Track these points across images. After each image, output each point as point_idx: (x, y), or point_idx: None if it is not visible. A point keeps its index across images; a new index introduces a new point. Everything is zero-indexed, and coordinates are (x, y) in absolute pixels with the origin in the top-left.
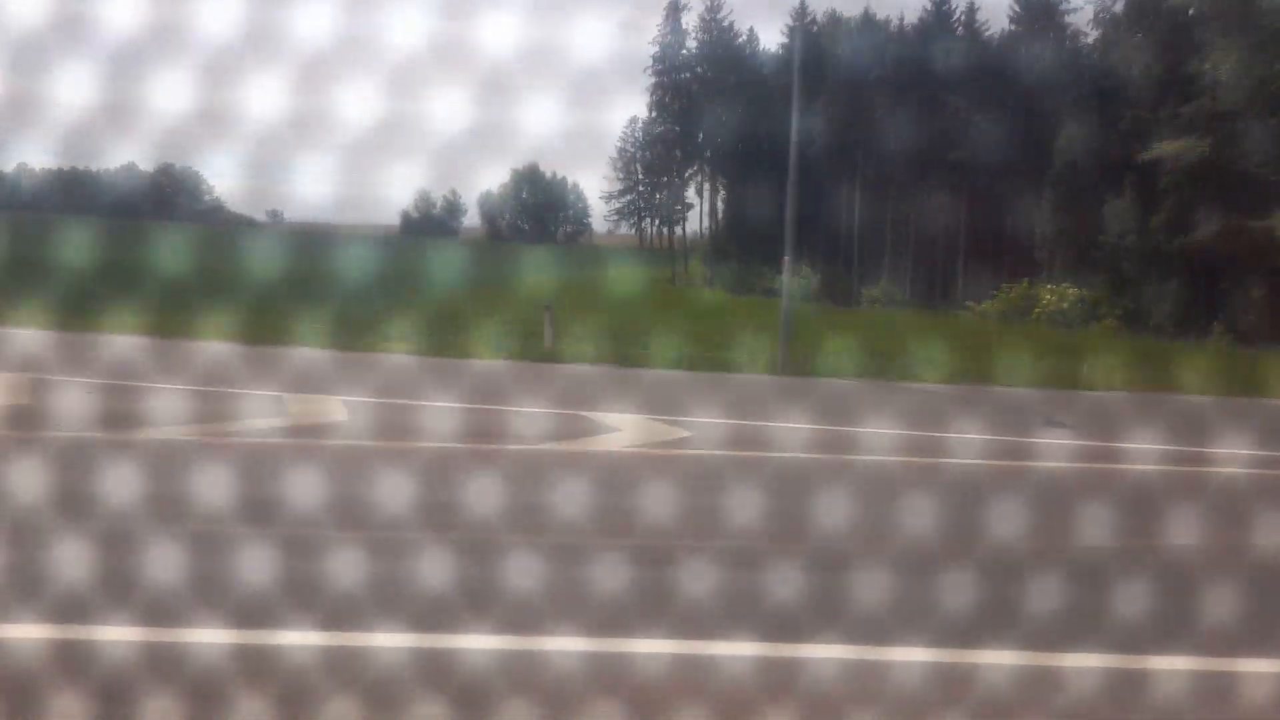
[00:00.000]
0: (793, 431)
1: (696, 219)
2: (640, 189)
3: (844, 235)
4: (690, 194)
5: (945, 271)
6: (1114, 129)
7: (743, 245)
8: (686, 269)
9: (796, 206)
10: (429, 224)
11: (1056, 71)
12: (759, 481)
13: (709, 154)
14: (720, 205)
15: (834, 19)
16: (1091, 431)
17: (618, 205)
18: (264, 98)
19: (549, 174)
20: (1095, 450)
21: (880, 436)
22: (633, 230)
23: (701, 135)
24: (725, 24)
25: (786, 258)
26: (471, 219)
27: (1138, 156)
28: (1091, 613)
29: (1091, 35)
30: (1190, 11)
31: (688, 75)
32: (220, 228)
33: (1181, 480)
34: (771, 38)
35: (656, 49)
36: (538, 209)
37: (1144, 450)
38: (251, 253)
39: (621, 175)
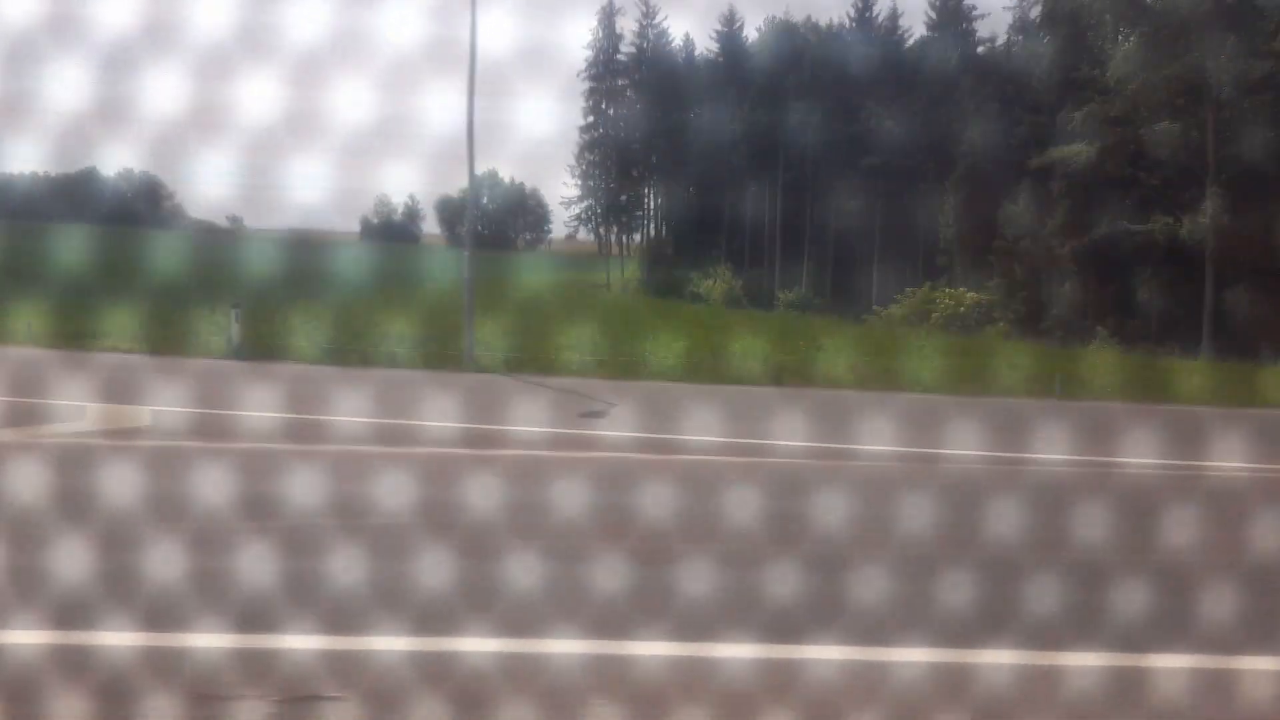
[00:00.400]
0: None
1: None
2: (600, 195)
3: (767, 239)
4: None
5: (861, 275)
6: (1014, 133)
7: (676, 249)
8: (623, 273)
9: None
10: (390, 230)
11: (964, 76)
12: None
13: (653, 159)
14: (656, 210)
15: (774, 24)
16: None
17: (577, 211)
18: (252, 101)
19: (509, 179)
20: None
21: (427, 428)
22: (592, 236)
23: (636, 140)
24: (660, 29)
25: (467, 253)
26: (433, 225)
27: (1031, 161)
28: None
29: (1006, 39)
30: (1100, 18)
31: (623, 81)
32: (179, 233)
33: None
34: (709, 43)
35: (590, 54)
36: (498, 215)
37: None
38: (165, 257)
39: (579, 181)
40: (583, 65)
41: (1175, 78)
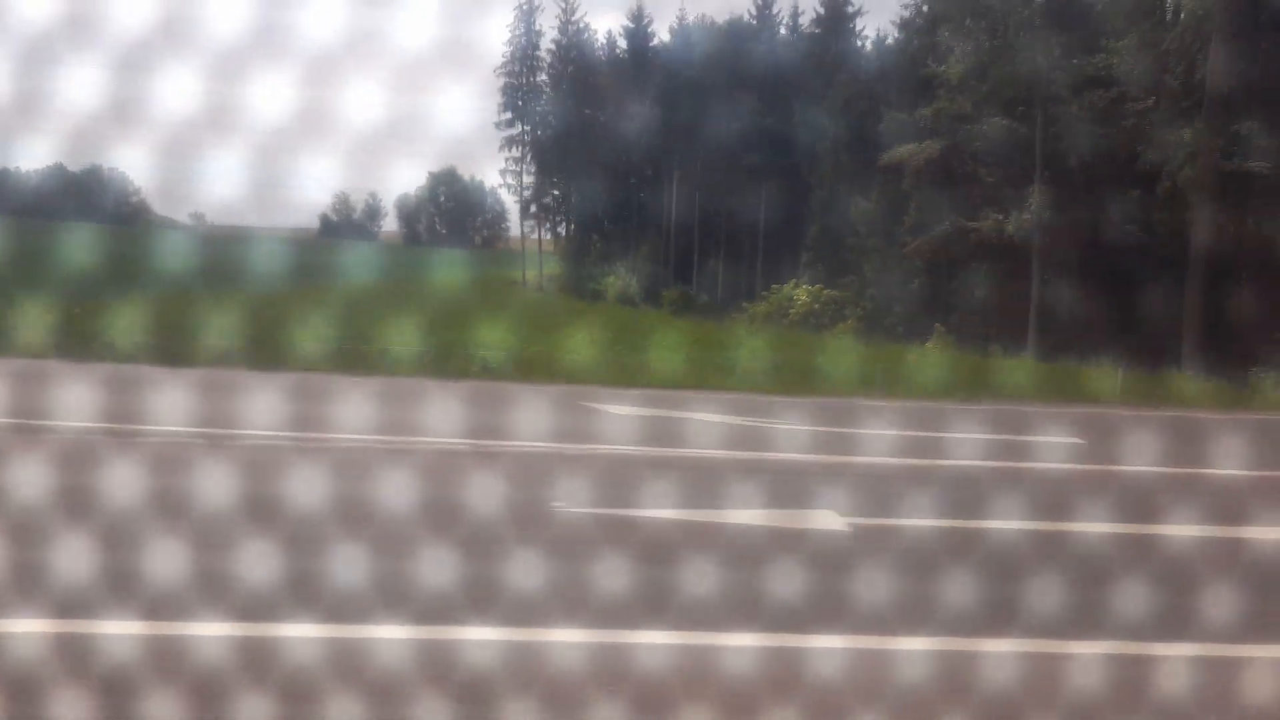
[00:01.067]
0: None
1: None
2: (518, 192)
3: (669, 236)
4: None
5: (748, 273)
6: (875, 130)
7: (593, 246)
8: (541, 271)
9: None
10: (348, 227)
11: (837, 74)
12: None
13: (566, 157)
14: (572, 207)
15: (679, 22)
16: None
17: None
18: (177, 95)
19: (467, 177)
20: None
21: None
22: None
23: (551, 137)
24: (580, 25)
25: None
26: (391, 222)
27: (881, 158)
28: None
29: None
30: (948, 15)
31: (544, 77)
32: (136, 229)
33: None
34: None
35: (507, 50)
36: (455, 212)
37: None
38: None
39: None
40: (500, 61)
41: (1007, 76)
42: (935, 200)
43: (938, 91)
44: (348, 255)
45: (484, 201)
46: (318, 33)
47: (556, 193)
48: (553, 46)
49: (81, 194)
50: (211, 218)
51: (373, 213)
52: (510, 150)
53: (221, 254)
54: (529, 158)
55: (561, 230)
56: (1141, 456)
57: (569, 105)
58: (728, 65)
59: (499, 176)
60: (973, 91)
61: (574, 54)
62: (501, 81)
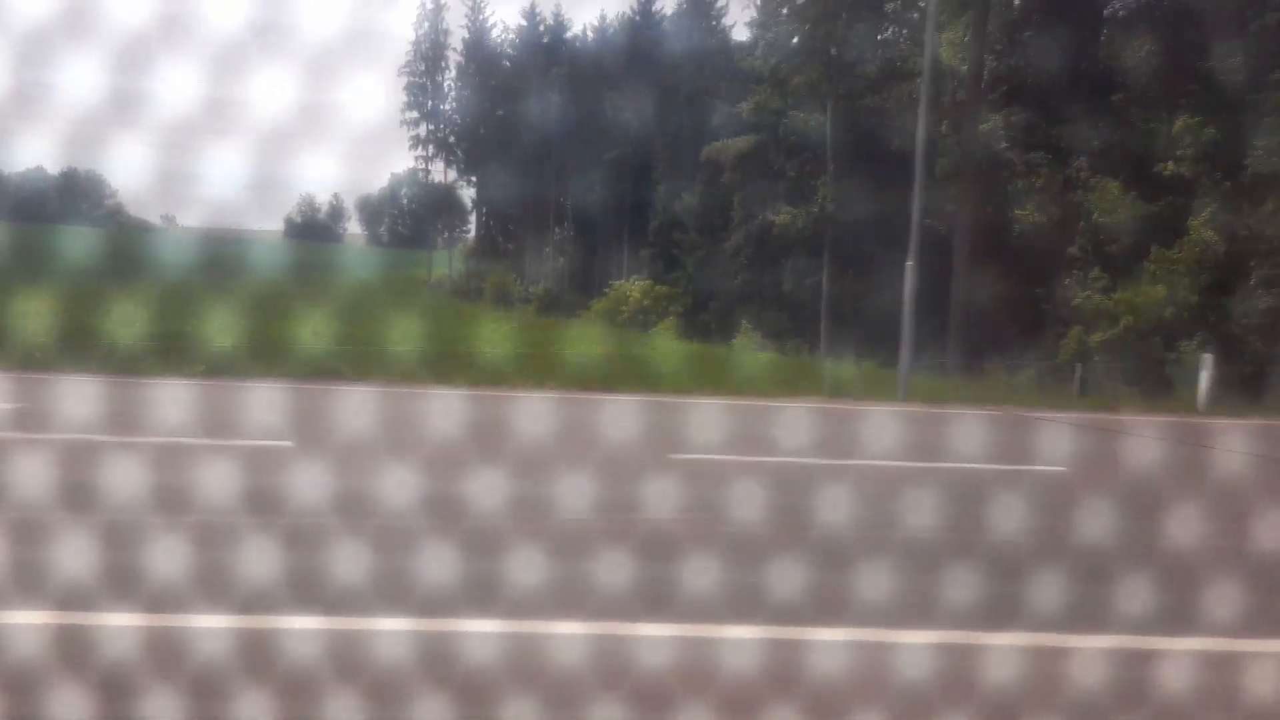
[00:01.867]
0: None
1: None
2: (424, 186)
3: (555, 232)
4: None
5: (607, 269)
6: (708, 123)
7: (495, 243)
8: (449, 268)
9: None
10: (313, 229)
11: (686, 68)
12: None
13: (463, 153)
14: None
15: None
16: None
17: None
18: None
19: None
20: None
21: None
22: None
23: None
24: (486, 19)
25: None
26: (357, 224)
27: (703, 152)
28: None
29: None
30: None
31: (451, 74)
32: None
33: None
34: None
35: (411, 48)
36: (418, 213)
37: None
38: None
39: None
40: (404, 57)
41: (804, 66)
42: (751, 194)
43: (753, 85)
44: (279, 256)
45: (446, 200)
46: (222, 23)
47: (465, 190)
48: (457, 44)
49: (64, 197)
50: (189, 221)
51: (336, 214)
52: (417, 149)
53: (141, 252)
54: (433, 156)
55: (469, 229)
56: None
57: (470, 102)
58: (606, 62)
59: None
60: (780, 84)
61: (479, 51)
62: (404, 80)
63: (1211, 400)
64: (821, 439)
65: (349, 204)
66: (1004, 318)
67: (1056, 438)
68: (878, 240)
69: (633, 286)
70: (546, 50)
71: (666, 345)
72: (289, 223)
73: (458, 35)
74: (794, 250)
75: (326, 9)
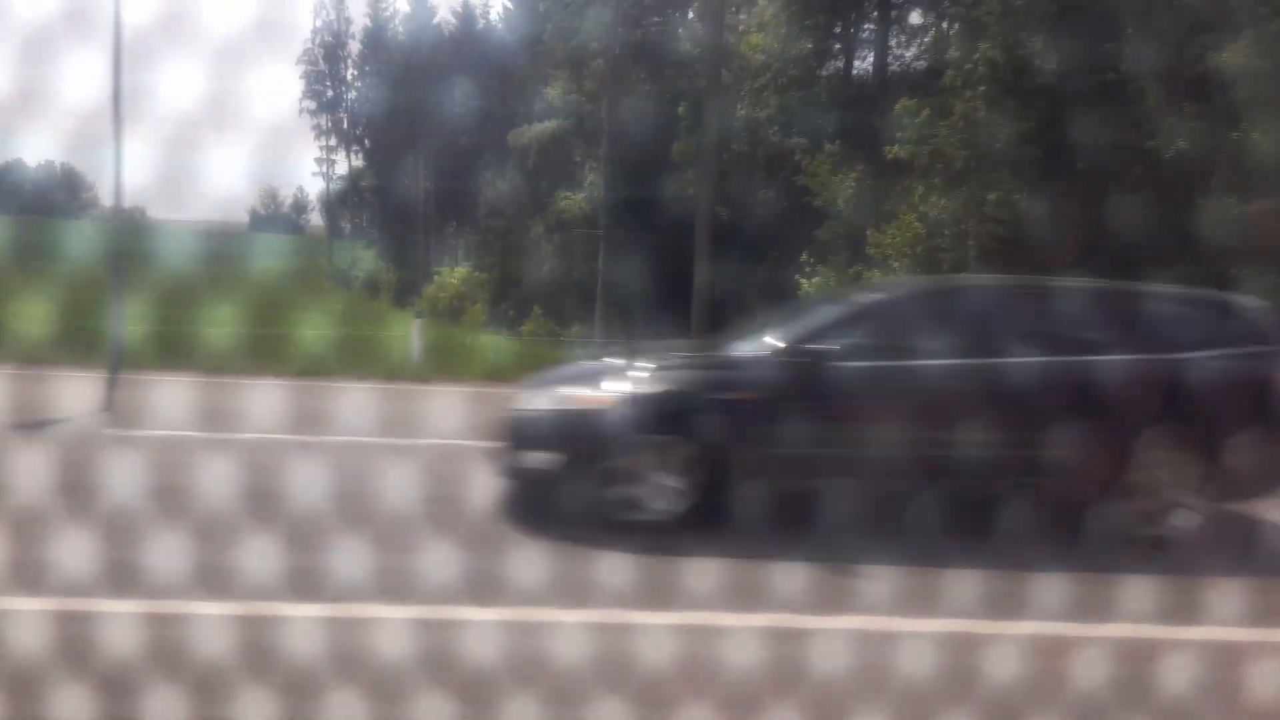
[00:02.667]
0: None
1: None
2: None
3: (427, 221)
4: None
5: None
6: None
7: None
8: (353, 259)
9: None
10: (276, 221)
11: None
12: None
13: (366, 143)
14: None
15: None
16: None
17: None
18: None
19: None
20: None
21: None
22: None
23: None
24: (385, 11)
25: None
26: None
27: (510, 139)
28: None
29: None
30: None
31: (351, 65)
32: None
33: None
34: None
35: (311, 39)
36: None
37: None
38: None
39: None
40: (304, 45)
41: (573, 50)
42: (550, 180)
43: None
44: (207, 245)
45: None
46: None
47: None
48: (357, 33)
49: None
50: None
51: (300, 206)
52: (320, 139)
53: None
54: (334, 145)
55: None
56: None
57: (363, 92)
58: (464, 48)
59: (314, 165)
60: (565, 68)
61: (374, 41)
62: (303, 69)
63: None
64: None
65: (313, 196)
66: (738, 299)
67: None
68: (654, 226)
69: (453, 274)
70: (416, 39)
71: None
72: (254, 215)
73: (359, 24)
74: (576, 236)
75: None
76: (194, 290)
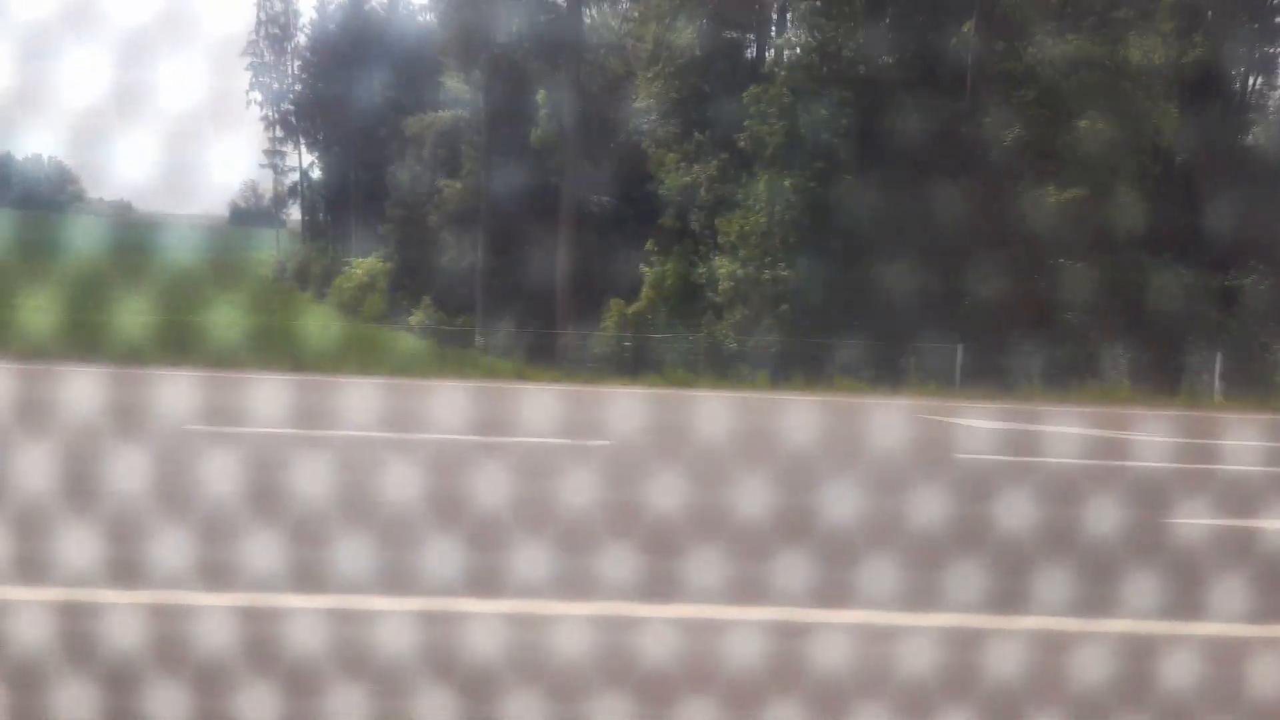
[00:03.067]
0: None
1: None
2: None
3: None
4: None
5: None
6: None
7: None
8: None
9: None
10: (257, 215)
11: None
12: None
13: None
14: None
15: None
16: None
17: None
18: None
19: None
20: None
21: None
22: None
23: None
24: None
25: None
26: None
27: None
28: None
29: None
30: None
31: (294, 55)
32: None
33: None
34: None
35: (255, 31)
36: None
37: None
38: None
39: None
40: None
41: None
42: (446, 170)
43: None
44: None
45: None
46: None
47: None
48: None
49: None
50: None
51: (279, 201)
52: (268, 131)
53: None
54: (282, 138)
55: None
56: None
57: (305, 82)
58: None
59: (264, 156)
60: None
61: (318, 30)
62: (247, 60)
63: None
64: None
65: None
66: (607, 288)
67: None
68: (532, 216)
69: (360, 264)
70: (343, 26)
71: (319, 321)
72: (234, 208)
73: (306, 17)
74: (458, 226)
75: None
76: (102, 283)
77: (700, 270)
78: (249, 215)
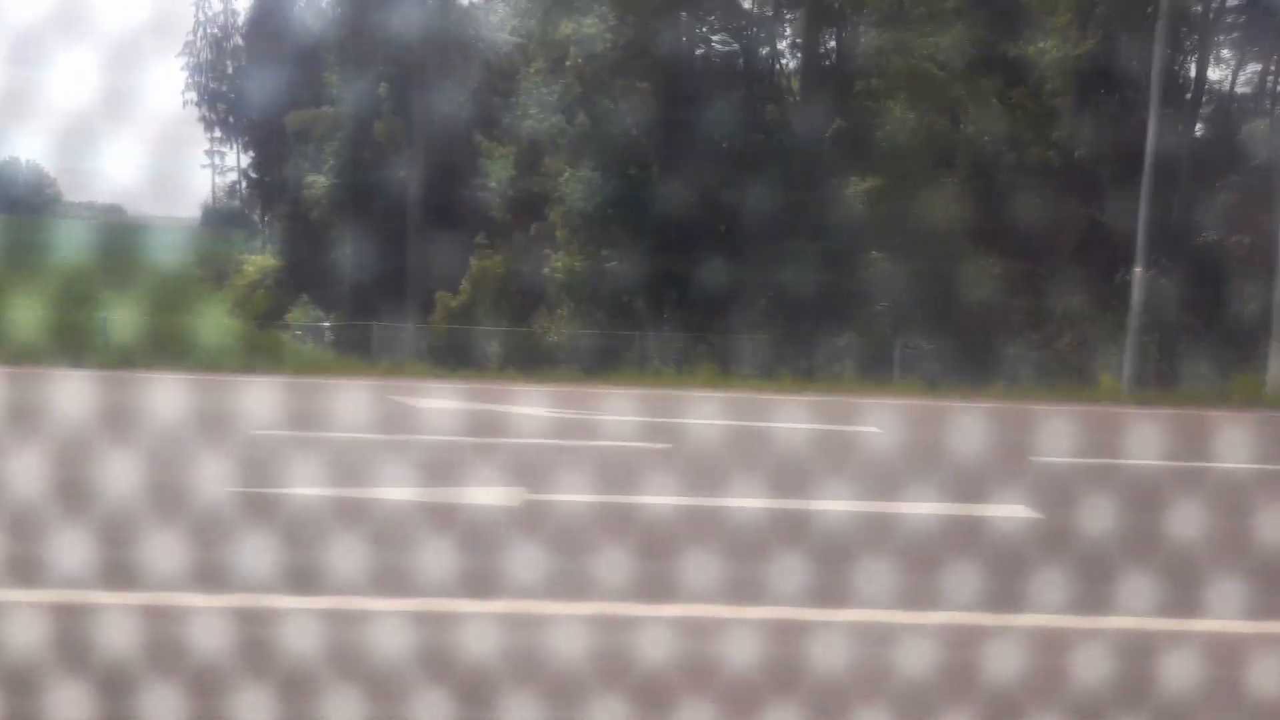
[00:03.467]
0: None
1: None
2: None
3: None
4: None
5: None
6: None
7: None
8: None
9: None
10: (231, 216)
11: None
12: None
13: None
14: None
15: None
16: None
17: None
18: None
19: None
20: None
21: None
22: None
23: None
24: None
25: None
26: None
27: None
28: None
29: None
30: None
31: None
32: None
33: None
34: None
35: (193, 31)
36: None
37: None
38: None
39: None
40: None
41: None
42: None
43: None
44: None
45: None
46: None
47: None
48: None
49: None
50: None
51: (250, 201)
52: (210, 131)
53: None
54: (220, 137)
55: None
56: None
57: (247, 83)
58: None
59: (205, 157)
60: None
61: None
62: (185, 60)
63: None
64: None
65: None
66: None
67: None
68: (381, 210)
69: (252, 261)
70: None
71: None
72: (206, 209)
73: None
74: (325, 222)
75: None
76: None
77: (524, 265)
78: (222, 215)
